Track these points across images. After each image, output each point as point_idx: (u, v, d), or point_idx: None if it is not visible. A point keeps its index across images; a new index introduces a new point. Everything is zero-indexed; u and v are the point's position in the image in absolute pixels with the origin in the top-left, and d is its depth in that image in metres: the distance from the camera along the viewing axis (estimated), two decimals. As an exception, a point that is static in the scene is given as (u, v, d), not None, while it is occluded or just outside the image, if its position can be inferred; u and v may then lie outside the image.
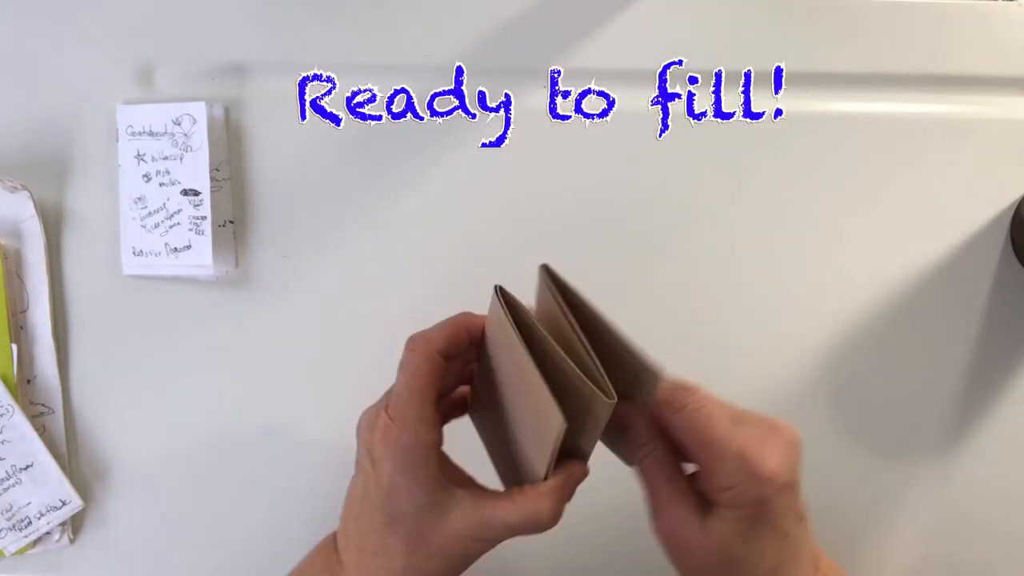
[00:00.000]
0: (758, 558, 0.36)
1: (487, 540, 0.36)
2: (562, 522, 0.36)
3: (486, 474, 0.40)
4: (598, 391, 0.33)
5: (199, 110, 0.52)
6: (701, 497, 0.37)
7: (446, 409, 0.41)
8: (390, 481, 0.35)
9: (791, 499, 0.36)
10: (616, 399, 0.33)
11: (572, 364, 0.33)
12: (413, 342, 0.36)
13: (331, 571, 0.39)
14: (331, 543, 0.40)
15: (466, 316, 0.38)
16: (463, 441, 0.40)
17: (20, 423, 0.52)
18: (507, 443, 0.39)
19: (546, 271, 0.36)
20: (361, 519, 0.37)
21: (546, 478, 0.36)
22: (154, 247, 0.52)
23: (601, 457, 0.38)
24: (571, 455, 0.37)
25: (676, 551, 0.38)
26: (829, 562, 0.39)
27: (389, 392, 0.37)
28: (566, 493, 0.37)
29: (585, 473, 0.37)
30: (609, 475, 0.39)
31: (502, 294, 0.34)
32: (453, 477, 0.37)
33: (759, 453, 0.34)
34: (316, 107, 0.53)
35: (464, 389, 0.42)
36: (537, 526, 0.35)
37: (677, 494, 0.37)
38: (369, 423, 0.37)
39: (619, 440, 0.39)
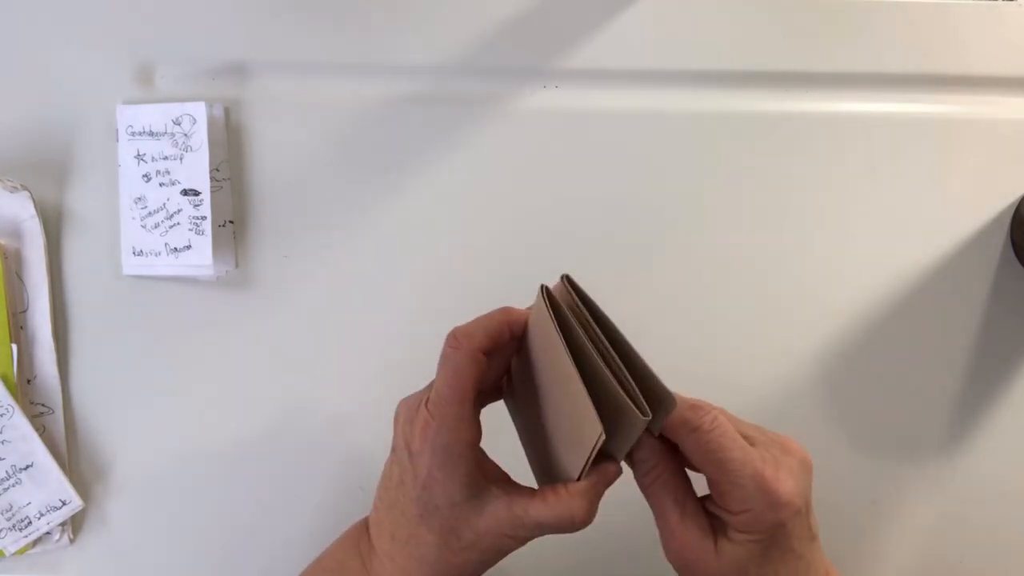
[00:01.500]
0: None
1: (518, 537, 0.36)
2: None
3: (517, 461, 0.40)
4: (634, 407, 0.33)
5: (199, 110, 0.52)
6: (712, 517, 0.37)
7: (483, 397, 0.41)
8: (427, 476, 0.35)
9: (805, 521, 0.36)
10: (651, 416, 0.33)
11: (611, 376, 0.33)
12: (456, 340, 0.35)
13: (362, 556, 0.39)
14: (363, 528, 0.40)
15: (507, 312, 0.37)
16: (496, 433, 0.40)
17: (20, 423, 0.52)
18: (542, 437, 0.39)
19: (568, 282, 0.36)
20: (395, 508, 0.38)
21: (579, 479, 0.36)
22: (154, 247, 0.52)
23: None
24: (602, 456, 0.37)
25: (685, 573, 0.37)
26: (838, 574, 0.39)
27: (430, 386, 0.37)
28: (599, 493, 0.36)
29: (618, 473, 0.37)
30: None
31: (547, 295, 0.34)
32: (489, 473, 0.37)
33: (774, 476, 0.34)
34: (315, 106, 0.53)
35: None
36: (570, 526, 0.36)
37: (687, 517, 0.37)
38: (408, 416, 0.36)
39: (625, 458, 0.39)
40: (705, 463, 0.35)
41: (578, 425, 0.34)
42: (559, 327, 0.34)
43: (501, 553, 0.37)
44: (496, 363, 0.38)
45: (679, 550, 0.37)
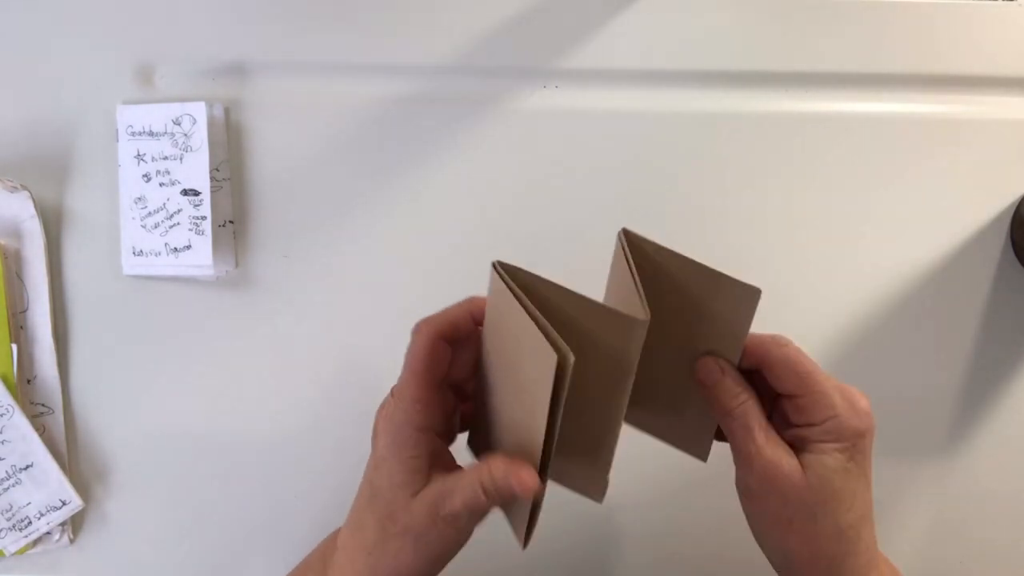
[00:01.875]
0: (851, 501, 0.36)
1: (449, 516, 0.35)
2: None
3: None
4: (624, 315, 0.32)
5: (199, 110, 0.52)
6: (791, 443, 0.38)
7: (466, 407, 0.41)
8: (380, 456, 0.36)
9: (870, 453, 0.37)
10: (648, 318, 0.32)
11: (582, 297, 0.32)
12: (417, 326, 0.37)
13: (324, 558, 0.40)
14: (335, 533, 0.41)
15: (471, 300, 0.38)
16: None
17: (20, 423, 0.52)
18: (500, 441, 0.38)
19: (625, 234, 0.36)
20: (357, 498, 0.38)
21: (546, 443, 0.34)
22: (154, 247, 0.52)
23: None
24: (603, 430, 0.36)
25: (769, 495, 0.37)
26: (881, 553, 0.40)
27: None
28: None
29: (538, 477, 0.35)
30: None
31: (502, 267, 0.34)
32: (440, 464, 0.37)
33: (853, 391, 0.37)
34: (315, 106, 0.53)
35: None
36: (492, 485, 0.34)
37: (772, 438, 0.37)
38: (381, 404, 0.38)
39: (696, 412, 0.39)
40: (791, 376, 0.36)
41: (530, 383, 0.33)
42: (513, 284, 0.33)
43: (438, 542, 0.36)
44: (466, 355, 0.38)
45: (763, 468, 0.36)
